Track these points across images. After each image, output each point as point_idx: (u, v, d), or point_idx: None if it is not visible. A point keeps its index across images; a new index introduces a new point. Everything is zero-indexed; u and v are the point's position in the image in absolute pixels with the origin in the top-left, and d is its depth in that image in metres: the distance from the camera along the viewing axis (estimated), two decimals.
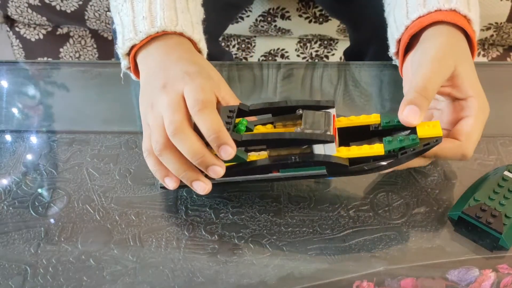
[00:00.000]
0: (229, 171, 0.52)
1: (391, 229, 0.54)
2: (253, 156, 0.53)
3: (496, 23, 1.17)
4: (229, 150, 0.49)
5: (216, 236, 0.53)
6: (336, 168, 0.51)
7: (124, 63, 0.61)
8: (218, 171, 0.50)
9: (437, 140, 0.50)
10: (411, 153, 0.50)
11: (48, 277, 0.50)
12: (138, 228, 0.54)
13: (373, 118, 0.54)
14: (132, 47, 0.59)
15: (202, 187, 0.52)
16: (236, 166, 0.52)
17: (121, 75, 0.63)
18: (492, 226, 0.51)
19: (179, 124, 0.50)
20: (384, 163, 0.51)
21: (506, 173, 0.56)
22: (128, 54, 0.60)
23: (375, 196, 0.57)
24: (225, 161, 0.51)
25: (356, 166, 0.51)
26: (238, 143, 0.50)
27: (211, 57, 0.86)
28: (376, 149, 0.50)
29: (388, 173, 0.58)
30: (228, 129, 0.50)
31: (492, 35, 1.20)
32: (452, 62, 0.54)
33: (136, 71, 0.60)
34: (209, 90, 0.52)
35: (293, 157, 0.51)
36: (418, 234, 0.53)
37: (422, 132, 0.51)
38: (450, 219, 0.54)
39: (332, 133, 0.50)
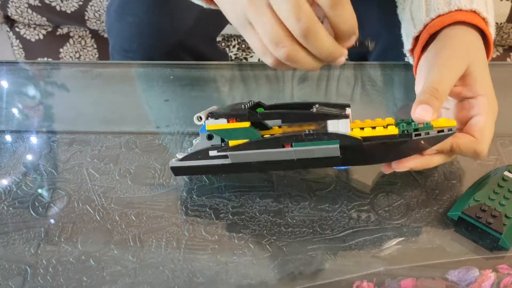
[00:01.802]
0: (243, 147, 0.52)
1: (391, 230, 0.54)
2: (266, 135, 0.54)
3: (496, 23, 1.17)
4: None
5: (216, 236, 0.53)
6: (349, 147, 0.51)
7: None
8: (342, 60, 0.47)
9: (450, 130, 0.51)
10: (425, 136, 0.51)
11: (48, 278, 0.50)
12: (138, 228, 0.54)
13: (387, 121, 0.54)
14: None
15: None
16: (251, 143, 0.53)
17: None
18: (492, 227, 0.51)
19: (312, 22, 0.44)
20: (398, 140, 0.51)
21: (506, 173, 0.56)
22: None
23: (375, 197, 0.57)
24: (240, 138, 0.52)
25: (369, 143, 0.51)
26: (256, 116, 0.52)
27: (207, 58, 0.86)
28: (390, 129, 0.51)
29: (389, 173, 0.58)
30: (244, 108, 0.52)
31: None
32: (463, 62, 0.55)
33: None
34: None
35: (307, 131, 0.51)
36: (418, 234, 0.53)
37: (435, 124, 0.52)
38: (450, 220, 0.54)
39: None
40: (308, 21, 0.43)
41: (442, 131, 0.51)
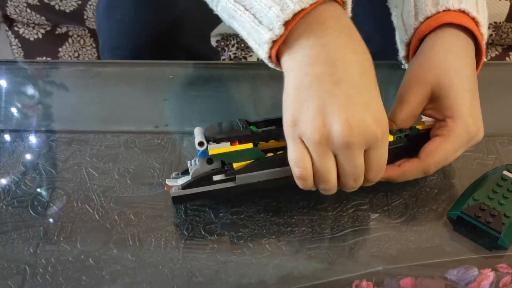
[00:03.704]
0: (250, 168, 0.52)
1: (390, 229, 0.54)
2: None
3: (495, 22, 1.17)
4: None
5: (215, 235, 0.53)
6: None
7: (277, 33, 0.45)
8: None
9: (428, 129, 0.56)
10: (412, 136, 0.55)
11: (47, 277, 0.50)
12: (137, 227, 0.54)
13: None
14: (294, 16, 0.45)
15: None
16: (257, 164, 0.53)
17: (260, 54, 0.48)
18: (491, 226, 0.51)
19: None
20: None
21: (505, 172, 0.56)
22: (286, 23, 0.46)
23: (374, 196, 0.57)
24: (244, 159, 0.52)
25: None
26: (255, 136, 0.52)
27: (200, 55, 0.86)
28: None
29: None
30: (242, 128, 0.52)
31: (491, 35, 1.20)
32: (425, 87, 0.54)
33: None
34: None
35: None
36: (417, 233, 0.53)
37: (420, 126, 0.56)
38: (449, 219, 0.54)
39: None
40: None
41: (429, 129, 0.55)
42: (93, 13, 1.24)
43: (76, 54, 1.37)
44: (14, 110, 0.70)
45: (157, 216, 0.55)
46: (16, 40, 1.35)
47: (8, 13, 1.27)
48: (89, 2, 1.22)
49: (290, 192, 0.57)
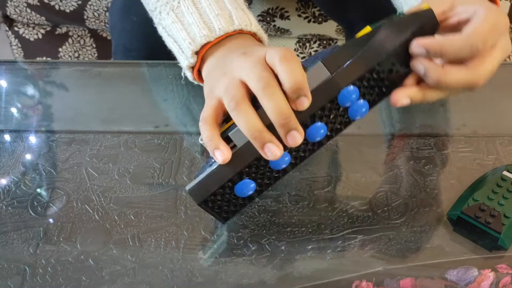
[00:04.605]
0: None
1: (390, 229, 0.54)
2: None
3: None
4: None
5: (215, 235, 0.53)
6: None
7: (191, 61, 0.57)
8: (298, 138, 0.45)
9: (426, 11, 0.50)
10: (401, 19, 0.50)
11: (47, 277, 0.50)
12: (137, 228, 0.54)
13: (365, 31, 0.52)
14: (205, 44, 0.56)
15: (275, 151, 0.46)
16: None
17: (182, 73, 0.60)
18: (491, 226, 0.51)
19: (268, 80, 0.46)
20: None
21: (505, 173, 0.56)
22: (197, 52, 0.57)
23: (374, 196, 0.57)
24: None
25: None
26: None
27: None
28: (365, 29, 0.50)
29: (387, 172, 0.59)
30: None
31: None
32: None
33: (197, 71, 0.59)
34: None
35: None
36: (417, 234, 0.53)
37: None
38: (449, 219, 0.54)
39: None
40: (268, 78, 0.47)
41: (416, 13, 0.50)
42: (93, 13, 1.24)
43: (76, 54, 1.37)
44: (14, 110, 0.70)
45: (157, 216, 0.55)
46: (16, 40, 1.35)
47: (8, 13, 1.27)
48: (89, 2, 1.22)
49: (289, 192, 0.57)
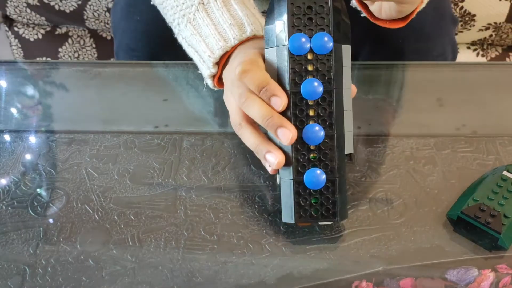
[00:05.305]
0: None
1: (390, 229, 0.54)
2: None
3: (495, 23, 1.17)
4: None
5: (215, 236, 0.53)
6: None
7: (213, 71, 0.61)
8: (287, 133, 0.49)
9: None
10: None
11: (47, 277, 0.50)
12: (137, 228, 0.54)
13: None
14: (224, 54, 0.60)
15: (287, 134, 0.49)
16: None
17: (205, 82, 0.63)
18: (491, 226, 0.51)
19: (244, 94, 0.52)
20: None
21: (505, 173, 0.56)
22: (218, 63, 0.60)
23: (374, 196, 0.57)
24: None
25: None
26: None
27: None
28: None
29: (387, 172, 0.59)
30: None
31: (491, 35, 1.20)
32: None
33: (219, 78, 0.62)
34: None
35: None
36: (417, 234, 0.53)
37: None
38: (449, 219, 0.54)
39: None
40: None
41: None
42: (93, 13, 1.24)
43: (76, 55, 1.37)
44: (14, 110, 0.70)
45: (157, 216, 0.55)
46: (16, 40, 1.35)
47: (8, 13, 1.27)
48: (89, 2, 1.22)
49: None
